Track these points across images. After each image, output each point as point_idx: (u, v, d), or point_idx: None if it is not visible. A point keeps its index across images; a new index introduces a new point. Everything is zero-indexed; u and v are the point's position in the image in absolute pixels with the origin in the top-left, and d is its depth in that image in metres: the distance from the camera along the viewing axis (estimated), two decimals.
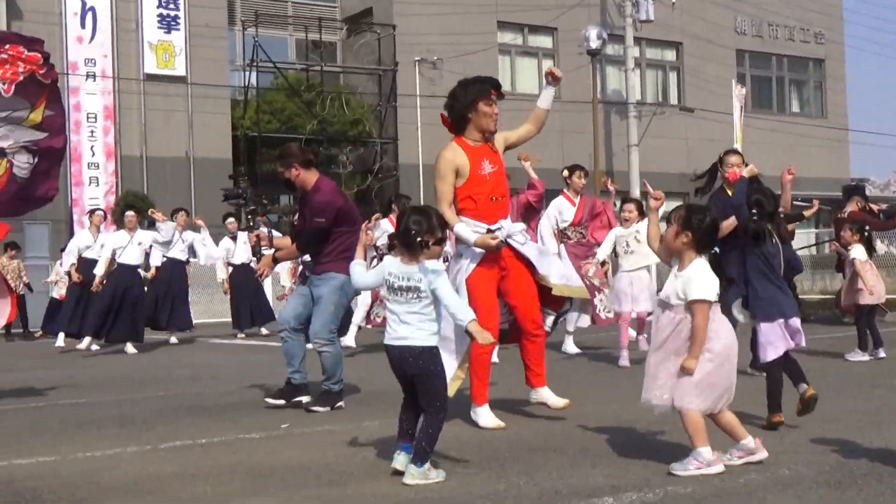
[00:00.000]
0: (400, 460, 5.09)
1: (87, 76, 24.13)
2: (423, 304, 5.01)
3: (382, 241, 10.73)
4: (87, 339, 13.65)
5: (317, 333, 7.50)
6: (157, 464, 5.75)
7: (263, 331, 16.12)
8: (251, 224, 12.02)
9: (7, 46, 9.97)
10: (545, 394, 6.73)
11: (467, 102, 6.55)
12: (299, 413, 7.43)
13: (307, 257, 7.92)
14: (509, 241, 6.55)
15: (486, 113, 6.52)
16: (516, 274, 6.60)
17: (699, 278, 4.99)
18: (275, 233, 9.28)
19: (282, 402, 7.67)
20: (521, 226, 7.01)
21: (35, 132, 10.59)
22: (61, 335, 14.53)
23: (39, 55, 9.92)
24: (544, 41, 29.45)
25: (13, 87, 10.46)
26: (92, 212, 15.60)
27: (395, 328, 5.05)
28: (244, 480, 5.21)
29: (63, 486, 5.17)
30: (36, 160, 10.84)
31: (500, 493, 4.71)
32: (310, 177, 7.54)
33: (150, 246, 14.07)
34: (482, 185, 6.52)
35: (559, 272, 6.85)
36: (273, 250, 8.10)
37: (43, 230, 21.98)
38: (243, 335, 16.05)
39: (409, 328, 5.01)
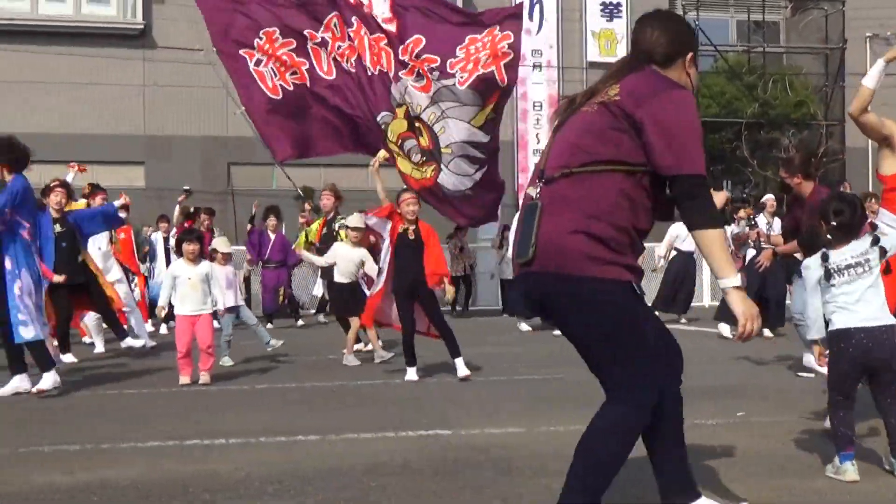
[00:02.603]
0: (851, 471, 4.76)
1: (534, 67, 25.19)
2: (873, 276, 4.82)
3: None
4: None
5: None
6: None
7: (683, 320, 16.01)
8: (752, 222, 12.36)
9: (485, 32, 10.61)
10: None
11: None
12: (755, 401, 7.34)
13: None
14: None
15: None
16: None
17: None
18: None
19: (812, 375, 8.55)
20: None
21: (477, 132, 11.16)
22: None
23: (511, 35, 10.48)
24: None
25: (471, 79, 11.10)
26: None
27: (859, 309, 4.78)
28: (703, 465, 5.23)
29: (533, 457, 5.48)
30: (479, 169, 11.45)
31: None
32: (808, 186, 8.29)
33: None
34: None
35: None
36: (773, 246, 9.10)
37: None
38: (685, 320, 16.05)
39: (873, 307, 4.79)
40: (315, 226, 12.44)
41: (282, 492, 4.77)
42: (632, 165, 3.51)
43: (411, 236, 9.12)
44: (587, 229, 3.46)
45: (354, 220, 10.61)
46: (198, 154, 25.81)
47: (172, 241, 15.46)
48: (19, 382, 8.31)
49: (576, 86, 25.53)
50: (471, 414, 7.03)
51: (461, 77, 11.05)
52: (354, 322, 10.50)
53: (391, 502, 4.57)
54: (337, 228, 11.58)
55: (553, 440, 6.00)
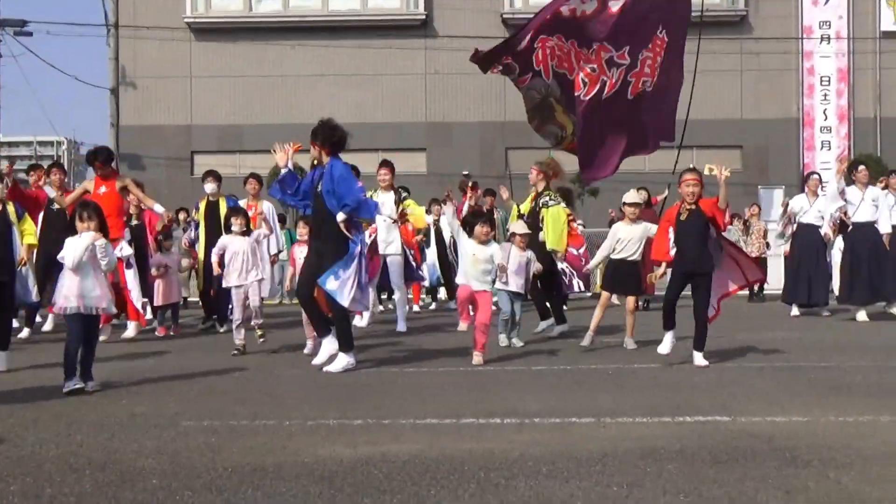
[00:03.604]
0: None
1: (822, 39, 23.96)
2: None
3: None
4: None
5: None
6: None
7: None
8: None
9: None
10: None
11: None
12: None
13: None
14: None
15: None
16: None
17: None
18: None
19: None
20: None
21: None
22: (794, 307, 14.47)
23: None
24: None
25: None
26: (808, 175, 15.33)
27: None
28: None
29: (819, 448, 5.19)
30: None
31: None
32: None
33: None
34: None
35: None
36: None
37: (777, 194, 22.25)
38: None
39: None
40: (528, 200, 12.14)
41: (555, 473, 4.74)
42: None
43: (686, 217, 8.68)
44: None
45: (631, 196, 10.45)
46: (476, 139, 26.31)
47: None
48: (328, 345, 8.71)
49: (868, 58, 24.07)
50: (751, 401, 6.76)
51: None
52: (630, 302, 10.32)
53: (668, 489, 4.44)
54: (540, 205, 11.25)
55: (842, 431, 5.67)
